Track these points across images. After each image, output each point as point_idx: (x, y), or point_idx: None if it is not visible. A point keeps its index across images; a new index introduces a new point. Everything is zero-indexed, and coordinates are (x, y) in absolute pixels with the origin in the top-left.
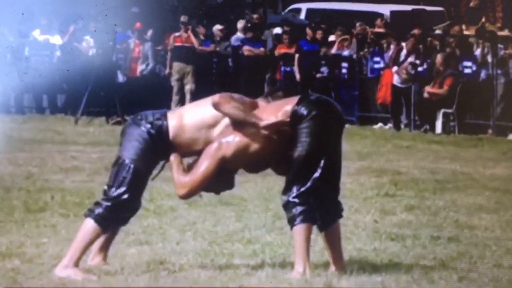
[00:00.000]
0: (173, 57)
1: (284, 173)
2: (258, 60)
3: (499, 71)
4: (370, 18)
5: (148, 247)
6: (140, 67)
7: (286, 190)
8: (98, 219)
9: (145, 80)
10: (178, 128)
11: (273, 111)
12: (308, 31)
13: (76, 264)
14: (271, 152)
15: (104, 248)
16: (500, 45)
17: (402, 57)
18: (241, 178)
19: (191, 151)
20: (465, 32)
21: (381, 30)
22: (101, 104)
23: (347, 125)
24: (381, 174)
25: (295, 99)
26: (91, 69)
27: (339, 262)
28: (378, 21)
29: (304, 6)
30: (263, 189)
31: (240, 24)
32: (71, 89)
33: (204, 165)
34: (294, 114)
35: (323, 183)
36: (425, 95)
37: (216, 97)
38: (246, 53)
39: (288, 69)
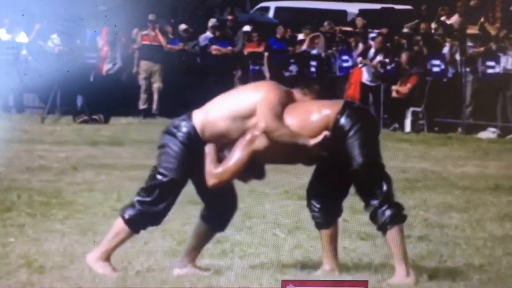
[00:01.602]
0: (140, 55)
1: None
2: (226, 59)
3: (467, 69)
4: (338, 16)
5: None
6: (106, 67)
7: (369, 200)
8: (129, 221)
9: (113, 80)
10: (208, 123)
11: (308, 111)
12: (279, 29)
13: (107, 258)
14: (300, 147)
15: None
16: (468, 43)
17: (370, 55)
18: None
19: (226, 141)
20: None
21: (349, 28)
22: (68, 103)
23: None
24: None
25: (335, 104)
26: (58, 68)
27: (334, 262)
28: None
29: (272, 5)
30: None
31: (210, 23)
32: (38, 88)
33: (236, 156)
34: (337, 123)
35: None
36: (393, 94)
37: (266, 124)
38: (214, 52)
39: (257, 67)
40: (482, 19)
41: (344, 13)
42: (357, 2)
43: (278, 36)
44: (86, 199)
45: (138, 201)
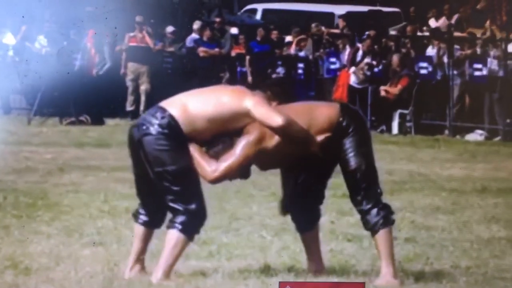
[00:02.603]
0: (128, 57)
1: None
2: (213, 61)
3: (455, 72)
4: (326, 18)
5: (102, 249)
6: (95, 68)
7: (363, 200)
8: (183, 229)
9: (101, 81)
10: (186, 118)
11: (311, 113)
12: (259, 31)
13: (170, 275)
14: (303, 150)
15: (142, 255)
16: (456, 46)
17: (358, 58)
18: None
19: (201, 139)
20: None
21: (336, 31)
22: (55, 105)
23: None
24: (338, 174)
25: (333, 106)
26: (45, 69)
27: (320, 263)
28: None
29: (260, 7)
30: (219, 190)
31: (196, 25)
32: (25, 90)
33: (243, 151)
34: (338, 126)
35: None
36: (382, 93)
37: (278, 122)
38: (201, 54)
39: (244, 69)
40: (488, 22)
41: (331, 15)
42: (345, 5)
43: (258, 38)
44: (72, 200)
45: (181, 208)
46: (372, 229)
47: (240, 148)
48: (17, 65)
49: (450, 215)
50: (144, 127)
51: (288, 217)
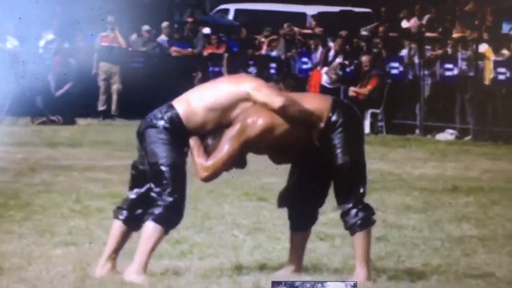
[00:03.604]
0: (100, 57)
1: (285, 162)
2: (186, 61)
3: (426, 72)
4: (298, 19)
5: (74, 248)
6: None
7: (344, 198)
8: (160, 219)
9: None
10: (189, 112)
11: (304, 102)
12: (242, 31)
13: (145, 269)
14: (292, 139)
15: (115, 254)
16: (427, 46)
17: (330, 58)
18: None
19: (204, 132)
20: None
21: (308, 31)
22: (27, 104)
23: None
24: None
25: (326, 98)
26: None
27: (300, 263)
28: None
29: (232, 7)
30: (191, 189)
31: (164, 24)
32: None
33: (228, 146)
34: (330, 119)
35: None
36: (350, 93)
37: (280, 102)
38: (174, 54)
39: (216, 69)
40: (476, 22)
41: (303, 15)
42: (317, 5)
43: (239, 38)
44: (44, 200)
45: (159, 199)
46: (350, 230)
47: (225, 143)
48: (14, 66)
49: (422, 214)
50: (149, 120)
51: (260, 216)
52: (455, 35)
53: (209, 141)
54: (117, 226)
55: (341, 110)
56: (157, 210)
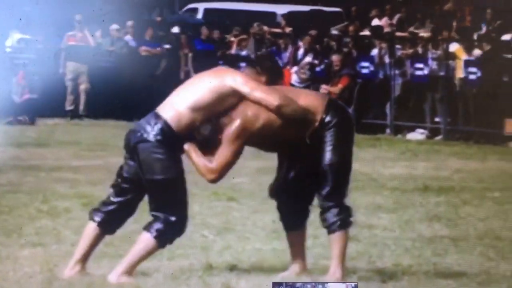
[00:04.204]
0: (67, 56)
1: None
2: (155, 60)
3: (396, 72)
4: (267, 18)
5: (41, 249)
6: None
7: (327, 197)
8: (158, 235)
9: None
10: (176, 117)
11: (301, 99)
12: (204, 30)
13: (131, 273)
14: (284, 135)
15: (85, 257)
16: (397, 46)
17: (299, 56)
18: None
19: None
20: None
21: (278, 30)
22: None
23: None
24: None
25: (320, 100)
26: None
27: (303, 263)
28: None
29: (201, 6)
30: None
31: (129, 23)
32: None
33: (231, 144)
34: (324, 118)
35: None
36: (322, 91)
37: (276, 101)
38: (143, 53)
39: (186, 68)
40: (455, 23)
41: (273, 14)
42: (287, 4)
43: (203, 37)
44: (11, 200)
45: (162, 216)
46: (328, 229)
47: (228, 141)
48: (14, 66)
49: (392, 214)
50: (139, 134)
51: (230, 216)
52: (425, 34)
53: (204, 131)
54: (91, 228)
55: (335, 111)
56: (158, 225)
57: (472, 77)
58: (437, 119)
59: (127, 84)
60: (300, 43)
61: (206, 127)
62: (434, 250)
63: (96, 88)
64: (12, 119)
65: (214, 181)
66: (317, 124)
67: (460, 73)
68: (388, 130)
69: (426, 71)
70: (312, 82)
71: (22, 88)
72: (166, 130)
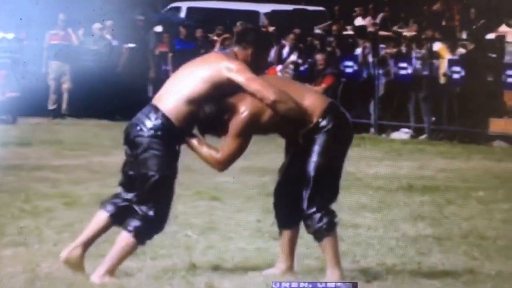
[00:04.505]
0: (49, 55)
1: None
2: (138, 59)
3: (380, 71)
4: (251, 17)
5: (24, 249)
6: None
7: (308, 202)
8: (136, 233)
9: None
10: (174, 110)
11: (299, 98)
12: (182, 30)
13: (113, 273)
14: (285, 128)
15: (88, 242)
16: (381, 45)
17: (284, 55)
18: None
19: (197, 121)
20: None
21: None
22: None
23: None
24: (264, 173)
25: (322, 102)
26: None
27: (291, 262)
28: None
29: (184, 5)
30: None
31: (108, 23)
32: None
33: (238, 136)
34: (319, 121)
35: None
36: None
37: (272, 97)
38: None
39: (169, 68)
40: (443, 23)
41: (256, 14)
42: (270, 3)
43: (181, 36)
44: None
45: (140, 211)
46: (315, 235)
47: (236, 133)
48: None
49: (377, 213)
50: (138, 128)
51: (213, 216)
52: (410, 33)
53: (207, 109)
54: (102, 217)
55: (333, 116)
56: (135, 223)
57: (456, 76)
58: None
59: (110, 84)
60: (285, 42)
61: (210, 106)
62: (419, 250)
63: (78, 87)
64: None
65: (222, 170)
66: (311, 125)
67: (443, 71)
68: (372, 130)
69: (410, 71)
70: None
71: (3, 87)
72: (166, 124)
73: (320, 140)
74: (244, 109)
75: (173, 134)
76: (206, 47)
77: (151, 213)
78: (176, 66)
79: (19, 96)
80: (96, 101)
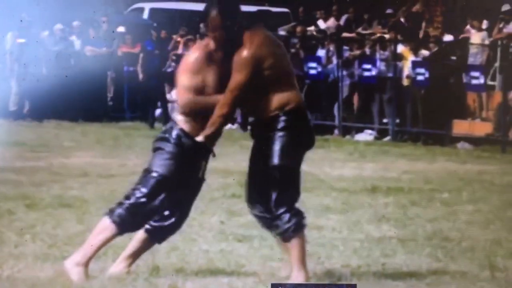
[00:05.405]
0: (11, 57)
1: None
2: (100, 60)
3: (344, 73)
4: None
5: None
6: None
7: (275, 203)
8: (117, 220)
9: None
10: (189, 127)
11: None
12: (153, 33)
13: (87, 263)
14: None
15: (133, 256)
16: (345, 47)
17: None
18: (83, 179)
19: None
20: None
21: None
22: None
23: None
24: (228, 175)
25: (292, 97)
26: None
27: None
28: None
29: (147, 6)
30: (105, 191)
31: (76, 23)
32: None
33: (241, 72)
34: (275, 119)
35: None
36: None
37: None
38: (88, 53)
39: (131, 69)
40: (424, 24)
41: None
42: None
43: (153, 38)
44: None
45: (130, 200)
46: (283, 235)
47: (237, 70)
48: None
49: (341, 215)
50: (167, 135)
51: None
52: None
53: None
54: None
55: (292, 116)
56: (119, 210)
57: (420, 78)
58: (385, 120)
59: (72, 85)
60: None
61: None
62: (383, 251)
63: (39, 88)
64: None
65: (233, 100)
66: (271, 114)
67: (407, 73)
68: (336, 131)
69: (374, 72)
70: None
71: None
72: (181, 135)
73: (279, 140)
74: (246, 48)
75: (187, 145)
76: (170, 48)
77: (140, 200)
78: (147, 67)
79: None
80: (57, 103)
